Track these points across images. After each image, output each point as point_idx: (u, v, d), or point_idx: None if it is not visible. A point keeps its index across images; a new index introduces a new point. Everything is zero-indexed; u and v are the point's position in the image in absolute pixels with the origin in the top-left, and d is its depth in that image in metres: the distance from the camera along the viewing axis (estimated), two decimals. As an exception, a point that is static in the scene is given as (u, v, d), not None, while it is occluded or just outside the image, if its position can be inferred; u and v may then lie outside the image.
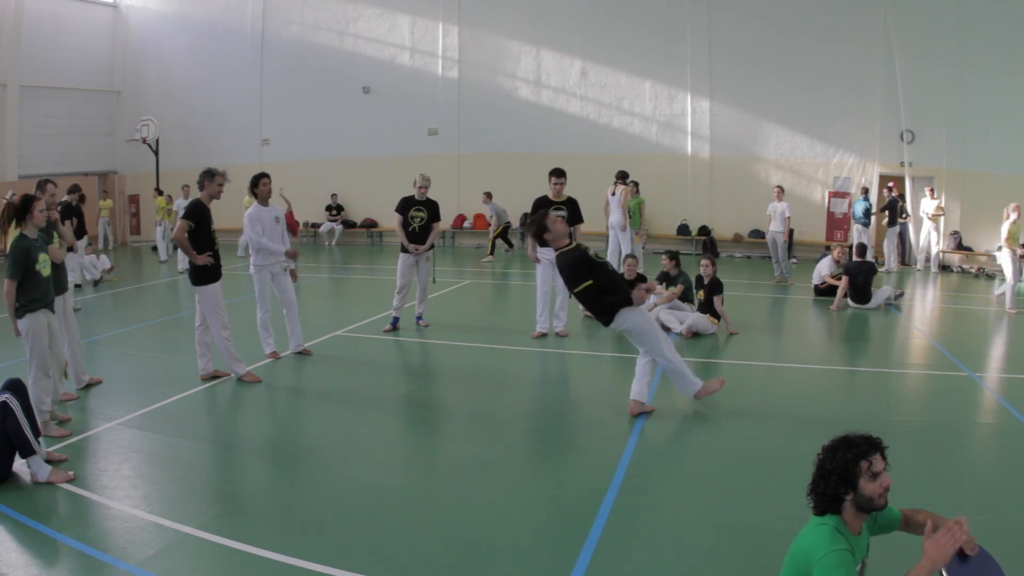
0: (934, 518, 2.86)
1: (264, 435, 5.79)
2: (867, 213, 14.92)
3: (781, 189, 13.75)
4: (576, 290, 5.70)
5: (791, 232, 14.69)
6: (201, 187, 6.76)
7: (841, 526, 2.66)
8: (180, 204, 15.04)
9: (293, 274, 7.85)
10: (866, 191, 15.44)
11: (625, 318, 5.70)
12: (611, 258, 12.87)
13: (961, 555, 2.67)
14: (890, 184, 15.57)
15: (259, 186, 7.51)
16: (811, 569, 2.55)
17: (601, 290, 5.66)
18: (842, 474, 2.63)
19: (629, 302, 5.67)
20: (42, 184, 6.30)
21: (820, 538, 2.61)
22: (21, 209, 5.24)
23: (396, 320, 8.97)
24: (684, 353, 8.15)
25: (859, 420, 5.81)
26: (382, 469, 5.00)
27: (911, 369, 7.96)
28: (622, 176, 13.45)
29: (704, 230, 17.39)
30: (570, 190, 8.73)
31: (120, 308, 10.79)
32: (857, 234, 14.73)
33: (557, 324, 8.81)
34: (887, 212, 15.05)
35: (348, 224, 19.76)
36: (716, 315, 9.01)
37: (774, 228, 13.31)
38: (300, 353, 7.81)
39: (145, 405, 6.11)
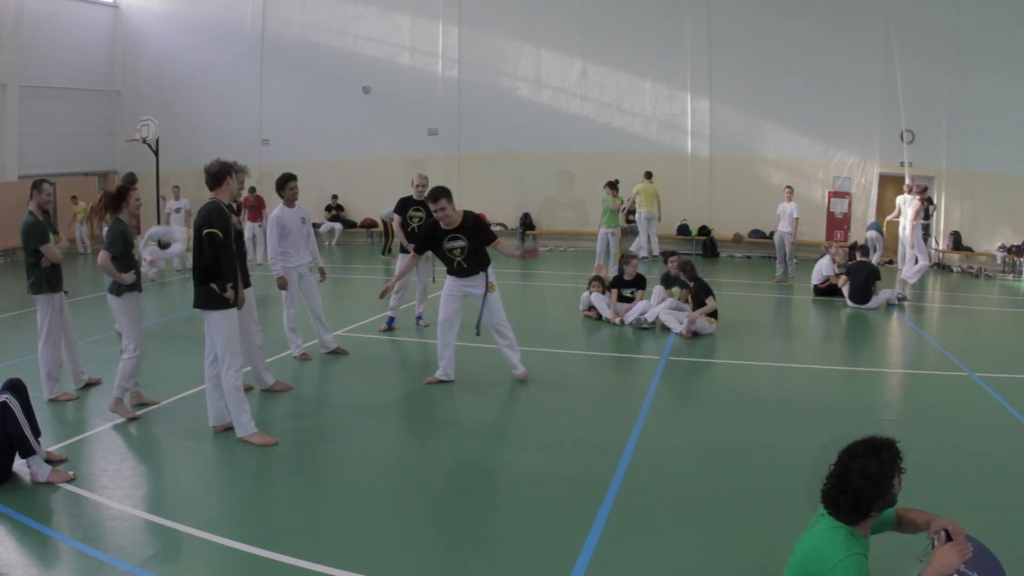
0: (928, 517, 2.87)
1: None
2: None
3: (791, 189, 13.60)
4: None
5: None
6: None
7: (855, 530, 2.65)
8: (171, 206, 15.00)
9: (322, 272, 7.81)
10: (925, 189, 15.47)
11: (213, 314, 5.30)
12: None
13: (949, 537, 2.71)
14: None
15: (286, 189, 7.38)
16: (825, 573, 2.54)
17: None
18: (883, 492, 2.61)
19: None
20: (38, 184, 6.21)
21: (835, 542, 2.59)
22: (117, 198, 5.71)
23: (392, 320, 8.96)
24: (683, 353, 8.16)
25: (859, 420, 5.83)
26: (382, 468, 5.00)
27: (911, 369, 7.96)
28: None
29: (704, 230, 17.39)
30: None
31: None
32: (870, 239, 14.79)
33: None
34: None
35: (348, 224, 19.76)
36: (714, 315, 9.00)
37: (783, 228, 13.26)
38: (333, 352, 7.80)
39: (145, 405, 6.11)
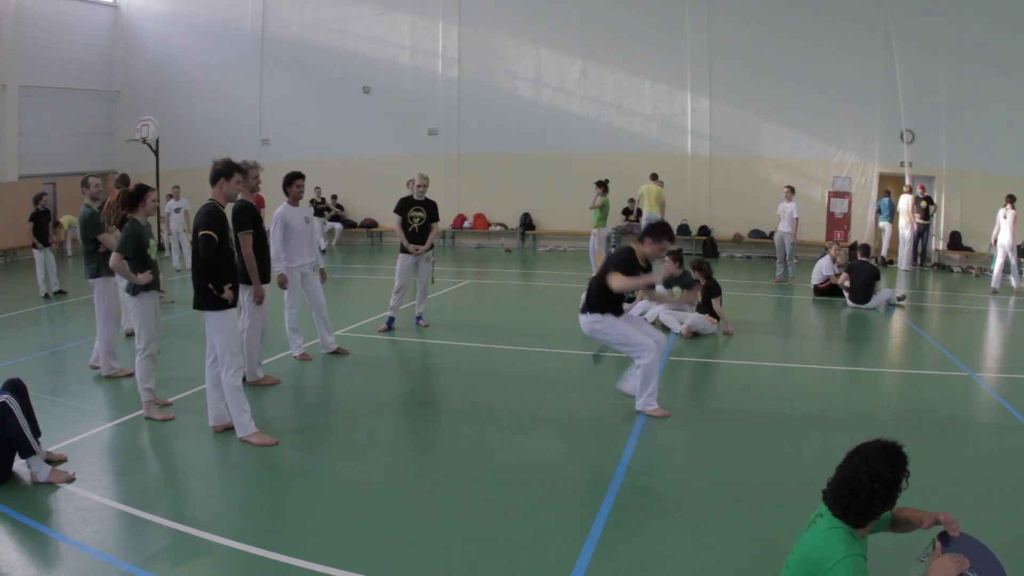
0: (920, 514, 2.87)
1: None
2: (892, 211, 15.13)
3: (791, 189, 13.53)
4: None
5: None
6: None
7: (854, 530, 2.64)
8: (171, 206, 14.97)
9: (323, 273, 7.79)
10: (888, 193, 15.76)
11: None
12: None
13: (944, 538, 2.72)
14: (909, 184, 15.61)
15: (291, 187, 7.35)
16: (825, 573, 2.54)
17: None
18: (892, 496, 2.61)
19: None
20: (85, 180, 7.06)
21: (834, 542, 2.58)
22: (135, 197, 5.87)
23: (391, 320, 8.96)
24: (683, 353, 8.15)
25: (859, 420, 5.83)
26: (382, 469, 5.00)
27: (911, 369, 7.96)
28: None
29: (704, 230, 17.39)
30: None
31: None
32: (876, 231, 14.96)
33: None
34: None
35: (348, 224, 19.76)
36: (715, 315, 9.00)
37: (783, 228, 13.24)
38: (334, 353, 7.80)
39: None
